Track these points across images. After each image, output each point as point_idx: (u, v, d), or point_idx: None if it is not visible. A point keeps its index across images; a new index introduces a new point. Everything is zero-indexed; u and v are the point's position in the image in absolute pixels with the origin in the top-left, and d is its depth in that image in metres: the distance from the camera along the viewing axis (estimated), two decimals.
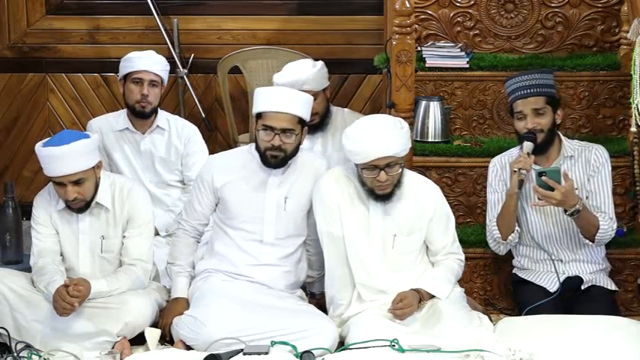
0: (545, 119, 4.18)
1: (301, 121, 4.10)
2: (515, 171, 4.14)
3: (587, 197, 4.22)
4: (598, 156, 4.26)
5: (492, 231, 4.29)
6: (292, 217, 4.18)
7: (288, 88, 4.30)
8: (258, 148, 4.12)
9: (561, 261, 4.26)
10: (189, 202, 4.31)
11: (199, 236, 4.33)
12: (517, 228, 4.25)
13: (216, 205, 4.24)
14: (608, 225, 4.15)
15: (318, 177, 4.16)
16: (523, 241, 4.33)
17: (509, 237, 4.24)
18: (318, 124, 4.67)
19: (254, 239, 4.16)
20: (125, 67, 4.84)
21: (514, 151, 4.35)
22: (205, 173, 4.24)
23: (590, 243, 4.18)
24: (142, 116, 4.84)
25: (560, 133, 4.31)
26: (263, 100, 4.09)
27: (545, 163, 4.24)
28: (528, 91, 4.18)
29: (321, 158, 4.35)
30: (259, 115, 4.09)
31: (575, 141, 4.35)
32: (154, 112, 4.88)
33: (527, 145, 4.16)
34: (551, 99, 4.21)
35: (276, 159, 4.09)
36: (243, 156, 4.23)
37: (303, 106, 4.10)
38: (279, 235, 4.16)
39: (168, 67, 4.94)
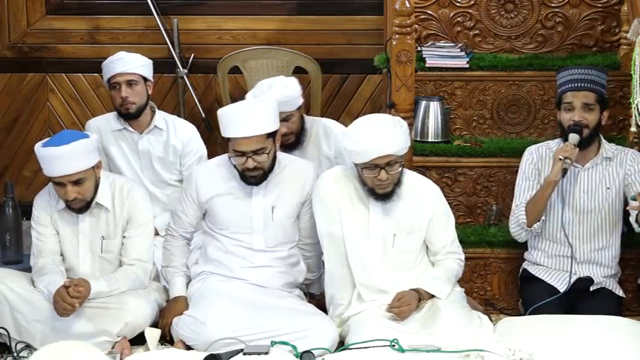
0: (592, 115, 4.20)
1: (270, 134, 4.05)
2: (560, 159, 4.14)
3: (624, 191, 4.28)
4: (635, 156, 4.30)
5: (519, 216, 4.28)
6: (280, 226, 4.18)
7: (249, 105, 4.18)
8: (236, 168, 4.11)
9: (576, 259, 4.27)
10: (175, 212, 4.31)
11: (189, 240, 4.34)
12: (543, 217, 4.25)
13: (204, 214, 4.25)
14: None
15: (308, 183, 4.17)
16: (544, 235, 4.33)
17: (535, 225, 4.25)
18: (294, 142, 4.53)
19: (244, 247, 4.16)
20: (104, 75, 4.84)
21: (551, 143, 4.37)
22: (189, 188, 4.22)
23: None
24: (130, 117, 4.82)
25: (601, 135, 4.33)
26: (227, 126, 4.03)
27: (583, 161, 4.27)
28: (582, 84, 4.20)
29: (309, 164, 4.31)
30: (228, 139, 4.07)
31: (613, 144, 4.37)
32: (143, 109, 4.81)
33: (573, 137, 4.18)
34: (601, 98, 4.22)
35: (255, 178, 4.08)
36: (227, 166, 4.19)
37: (267, 121, 4.04)
38: (269, 243, 4.17)
39: (146, 62, 4.86)
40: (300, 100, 4.53)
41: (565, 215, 4.26)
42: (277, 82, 4.45)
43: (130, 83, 4.77)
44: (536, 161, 4.36)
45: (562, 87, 4.27)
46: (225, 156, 4.27)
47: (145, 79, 4.83)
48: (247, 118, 4.00)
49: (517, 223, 4.31)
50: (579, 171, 4.28)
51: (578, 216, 4.28)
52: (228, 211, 4.16)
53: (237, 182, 4.15)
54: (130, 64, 4.79)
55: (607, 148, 4.32)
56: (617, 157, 4.31)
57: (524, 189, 4.34)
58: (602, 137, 4.33)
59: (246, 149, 4.01)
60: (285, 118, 4.41)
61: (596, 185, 4.28)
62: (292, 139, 4.52)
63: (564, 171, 4.14)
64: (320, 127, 4.66)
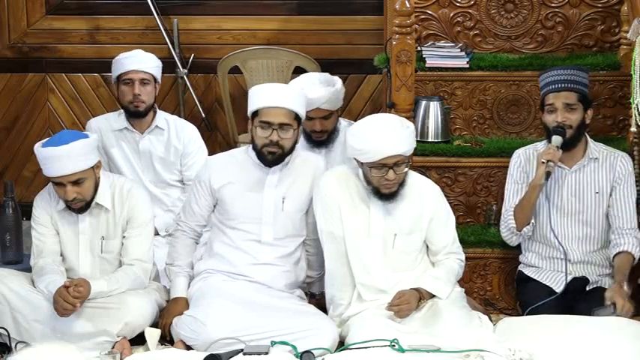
0: (575, 115, 4.20)
1: (297, 117, 4.11)
2: (543, 162, 4.14)
3: (608, 206, 4.25)
4: (624, 164, 4.28)
5: (508, 220, 4.29)
6: (290, 218, 4.18)
7: (281, 84, 4.31)
8: (255, 147, 4.13)
9: (570, 261, 4.26)
10: (187, 203, 4.32)
11: (197, 237, 4.33)
12: (532, 221, 4.25)
13: (215, 206, 4.25)
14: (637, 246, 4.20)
15: (317, 177, 4.17)
16: (536, 237, 4.33)
17: (524, 229, 4.25)
18: (324, 140, 4.61)
19: (252, 239, 4.16)
20: (115, 70, 4.84)
21: (538, 145, 4.37)
22: (203, 175, 4.24)
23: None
24: (137, 115, 4.83)
25: (587, 134, 4.32)
26: (259, 97, 4.10)
27: (570, 163, 4.26)
28: (562, 85, 4.19)
29: (319, 158, 4.36)
30: (255, 113, 4.10)
31: (601, 144, 4.36)
32: (150, 110, 4.86)
33: (556, 139, 4.17)
34: (583, 97, 4.22)
35: (273, 155, 4.09)
36: (241, 157, 4.23)
37: (298, 102, 4.12)
38: (278, 235, 4.17)
39: (159, 64, 4.91)
40: (341, 102, 4.63)
41: (553, 218, 4.26)
42: (329, 80, 4.58)
43: (143, 81, 4.79)
44: (524, 164, 4.35)
45: (543, 89, 4.27)
46: (240, 149, 4.33)
47: (156, 81, 4.85)
48: (279, 91, 4.10)
49: (507, 228, 4.32)
50: (566, 173, 4.27)
51: (567, 218, 4.28)
52: (238, 200, 4.16)
53: (250, 172, 4.17)
54: (145, 63, 4.82)
55: (593, 148, 4.31)
56: (607, 159, 4.29)
57: (512, 193, 4.34)
58: (588, 137, 4.33)
59: (274, 120, 4.04)
60: (325, 117, 4.52)
61: (583, 188, 4.27)
62: (324, 137, 4.59)
63: (548, 174, 4.14)
64: (347, 128, 4.69)
